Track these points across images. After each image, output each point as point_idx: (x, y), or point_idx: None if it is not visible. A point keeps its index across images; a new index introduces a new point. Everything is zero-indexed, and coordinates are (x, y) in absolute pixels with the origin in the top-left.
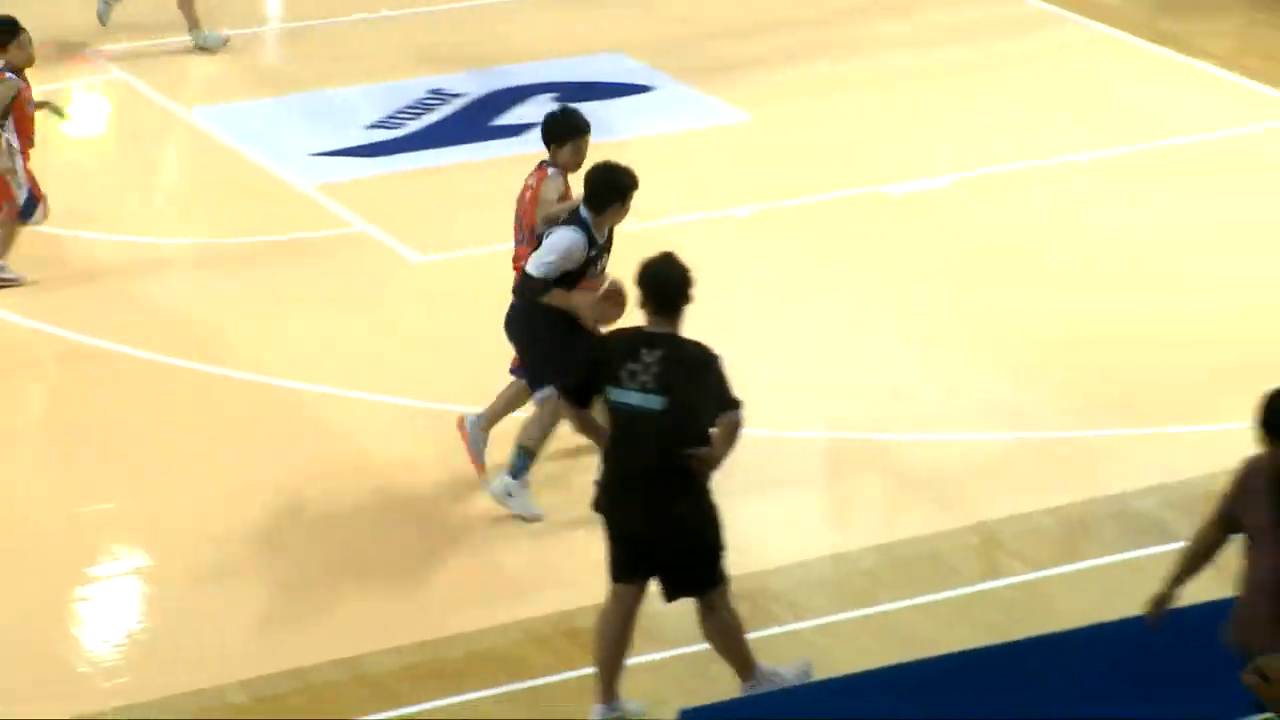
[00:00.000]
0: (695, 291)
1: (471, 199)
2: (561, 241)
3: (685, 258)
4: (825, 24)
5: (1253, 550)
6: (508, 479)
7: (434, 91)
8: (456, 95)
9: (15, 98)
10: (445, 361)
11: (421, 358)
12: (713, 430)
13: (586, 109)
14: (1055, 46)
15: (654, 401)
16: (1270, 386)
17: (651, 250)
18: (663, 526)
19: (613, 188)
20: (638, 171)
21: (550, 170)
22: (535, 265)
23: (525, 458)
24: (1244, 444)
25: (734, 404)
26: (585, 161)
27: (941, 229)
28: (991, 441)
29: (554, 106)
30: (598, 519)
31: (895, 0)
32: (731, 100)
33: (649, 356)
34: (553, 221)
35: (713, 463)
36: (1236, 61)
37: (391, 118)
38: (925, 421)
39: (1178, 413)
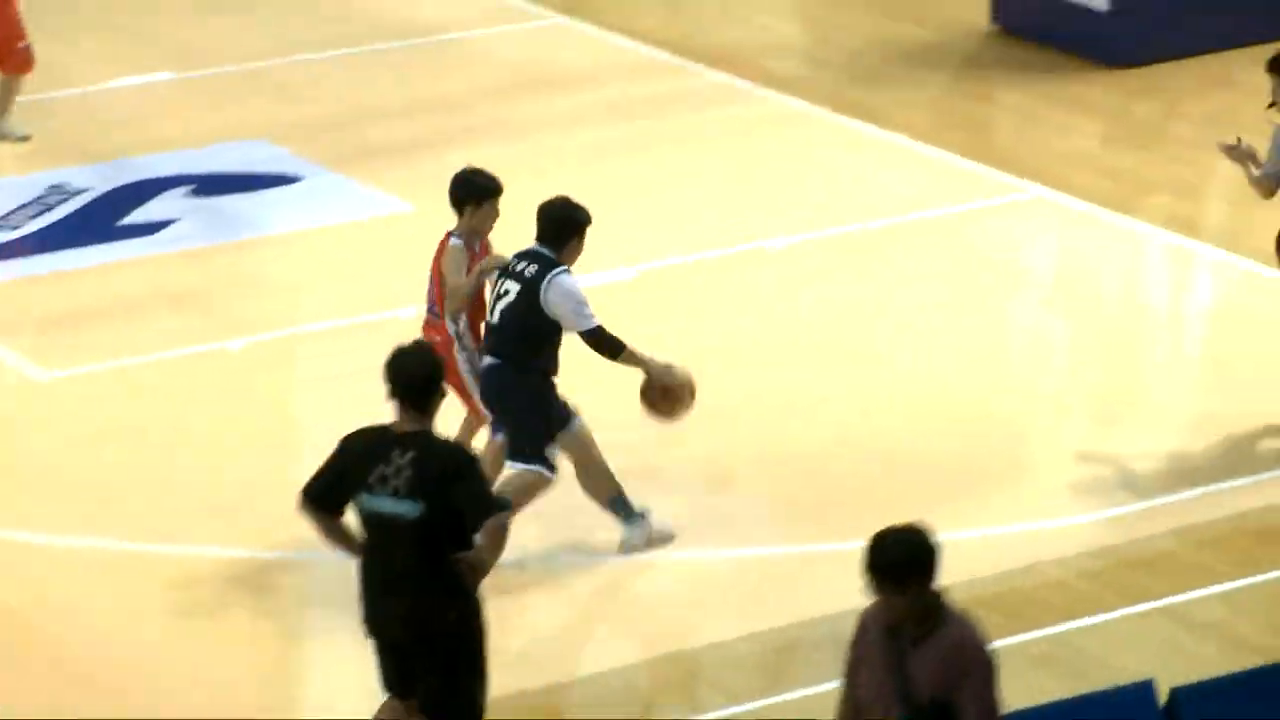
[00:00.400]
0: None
1: (101, 307)
2: (574, 287)
3: (343, 363)
4: (474, 107)
5: None
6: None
7: (54, 187)
8: (80, 191)
9: None
10: (79, 491)
11: (52, 489)
12: (477, 537)
13: (227, 203)
14: (741, 123)
15: (408, 508)
16: (981, 488)
17: (308, 354)
18: (424, 637)
19: (571, 222)
20: (291, 271)
21: (453, 240)
22: (584, 320)
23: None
24: (964, 554)
25: (499, 506)
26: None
27: (631, 323)
28: (685, 560)
29: (197, 202)
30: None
31: (548, 77)
32: (390, 189)
33: (400, 458)
34: (463, 299)
35: (482, 570)
36: (937, 135)
37: (6, 218)
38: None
39: (888, 521)
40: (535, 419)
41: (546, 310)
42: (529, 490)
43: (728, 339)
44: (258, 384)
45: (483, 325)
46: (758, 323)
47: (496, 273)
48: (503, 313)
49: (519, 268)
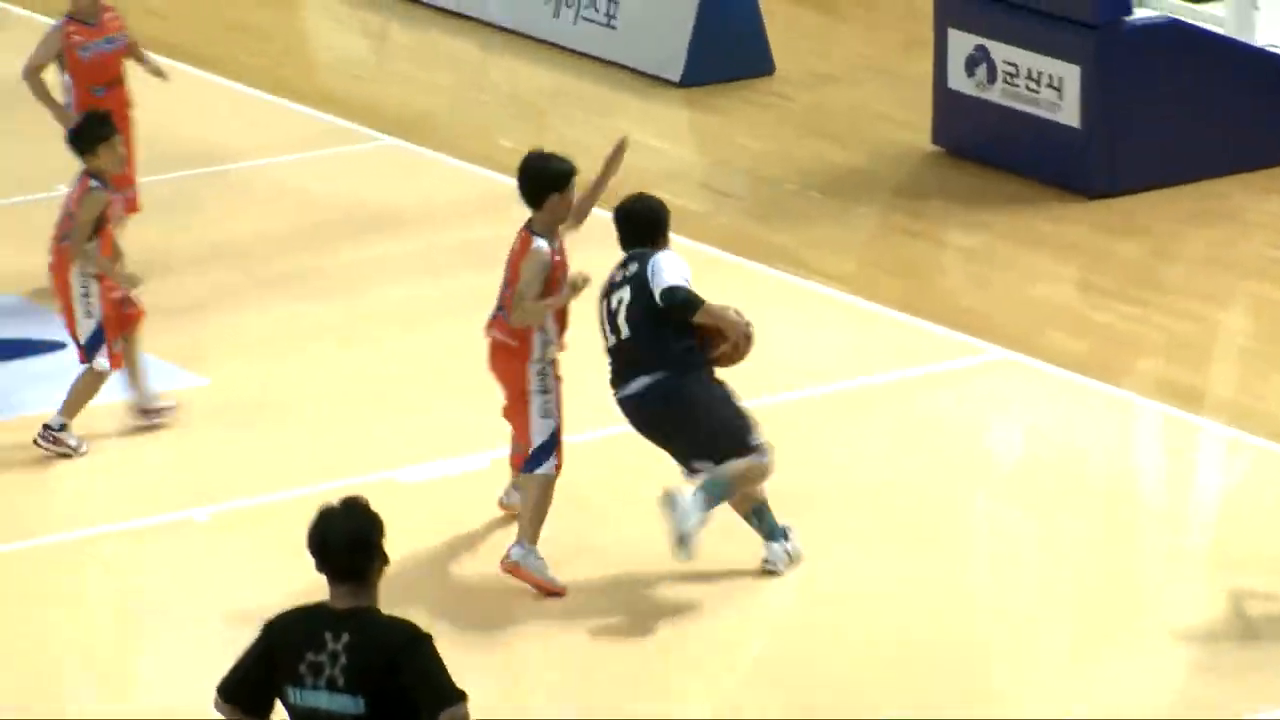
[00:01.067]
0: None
1: None
2: (675, 258)
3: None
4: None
5: None
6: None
7: None
8: None
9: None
10: None
11: None
12: None
13: None
14: None
15: (346, 704)
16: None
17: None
18: None
19: (659, 222)
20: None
21: (536, 241)
22: (677, 279)
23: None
24: None
25: (456, 697)
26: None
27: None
28: None
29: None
30: None
31: (376, 214)
32: (175, 357)
33: (335, 643)
34: (539, 319)
35: None
36: (870, 284)
37: None
38: None
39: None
40: (728, 407)
41: (653, 291)
42: (753, 477)
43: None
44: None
45: (608, 351)
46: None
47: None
48: (630, 324)
49: (623, 275)
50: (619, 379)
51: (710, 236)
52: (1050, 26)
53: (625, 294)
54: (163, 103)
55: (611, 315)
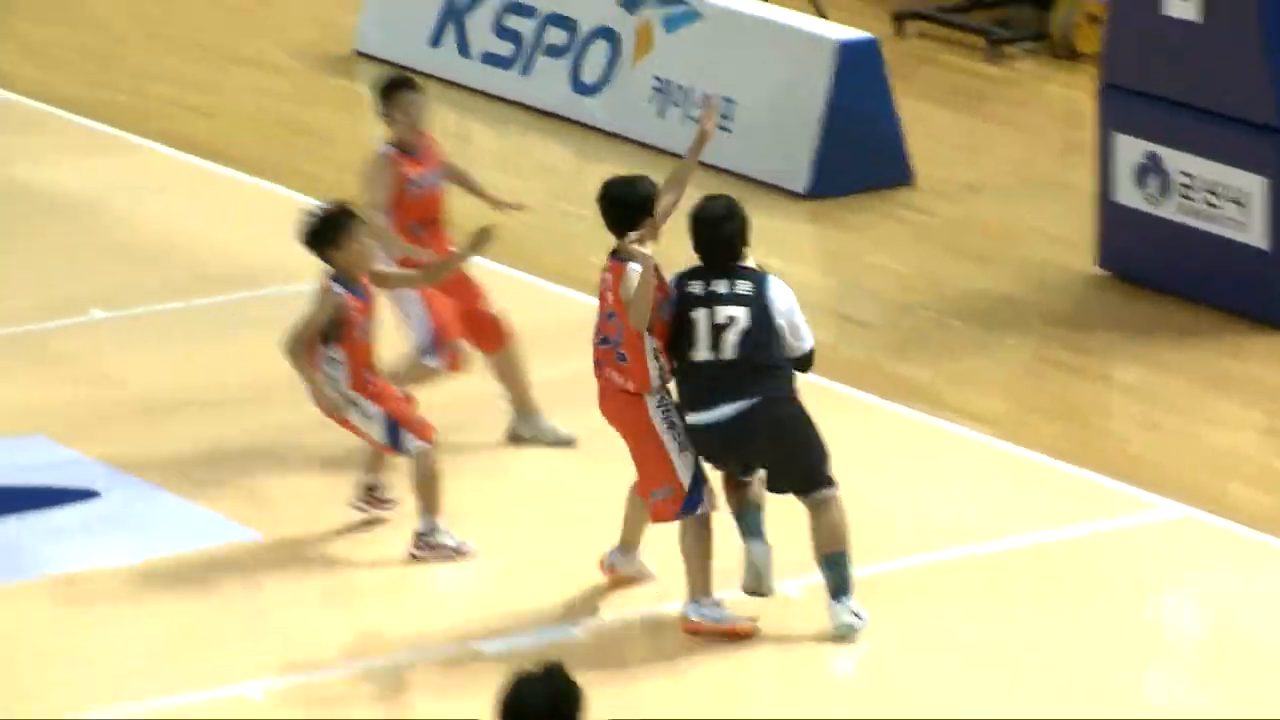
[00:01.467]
0: None
1: None
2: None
3: None
4: None
5: None
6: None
7: None
8: None
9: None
10: None
11: None
12: None
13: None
14: None
15: None
16: None
17: None
18: None
19: (745, 226)
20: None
21: (631, 265)
22: (808, 338)
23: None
24: None
25: None
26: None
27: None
28: None
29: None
30: None
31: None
32: (225, 508)
33: None
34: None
35: None
36: (1024, 428)
37: None
38: None
39: None
40: (818, 432)
41: (775, 319)
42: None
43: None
44: None
45: (691, 365)
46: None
47: (680, 305)
48: (743, 346)
49: (730, 291)
50: (705, 400)
51: (837, 370)
52: (1233, 131)
53: (737, 313)
54: (227, 216)
55: (714, 330)
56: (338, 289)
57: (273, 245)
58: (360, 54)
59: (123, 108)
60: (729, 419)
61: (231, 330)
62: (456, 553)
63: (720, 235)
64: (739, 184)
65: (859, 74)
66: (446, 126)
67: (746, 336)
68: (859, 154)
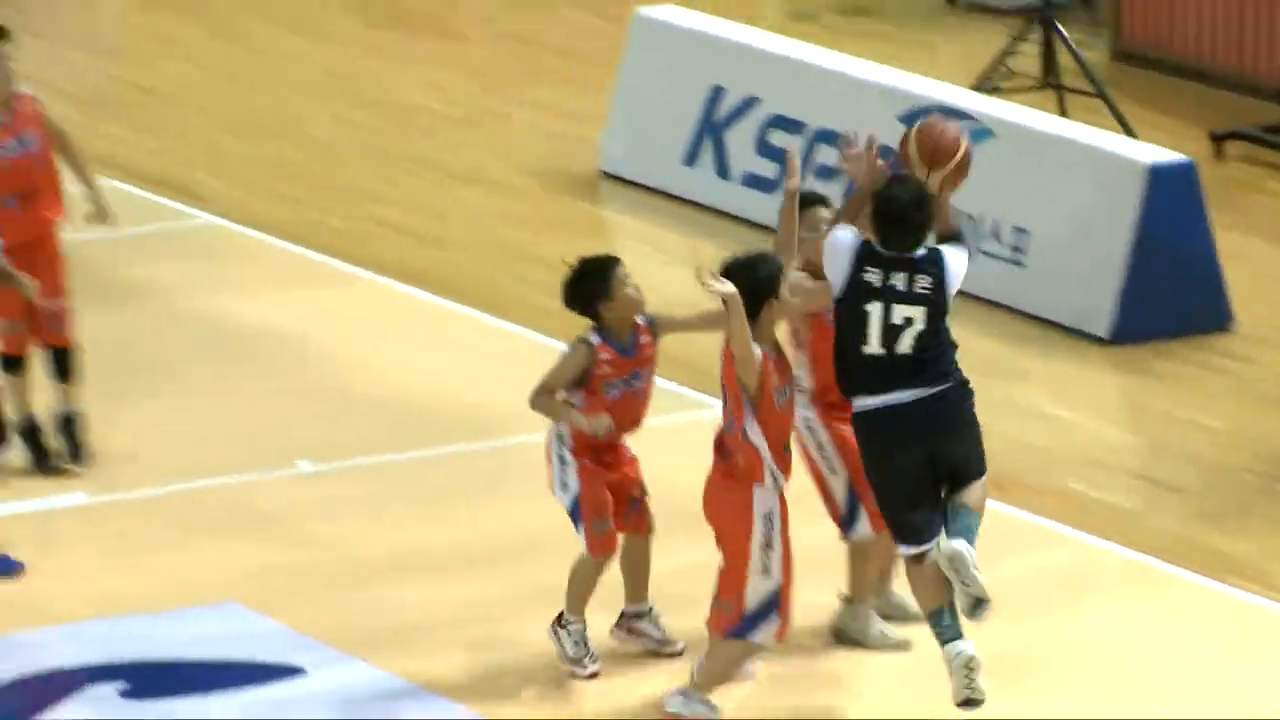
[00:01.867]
0: None
1: None
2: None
3: None
4: None
5: None
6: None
7: None
8: None
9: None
10: None
11: None
12: None
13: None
14: (1054, 578)
15: None
16: None
17: None
18: None
19: (927, 206)
20: None
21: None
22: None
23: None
24: None
25: None
26: None
27: None
28: None
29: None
30: None
31: None
32: (448, 689)
33: None
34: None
35: None
36: None
37: None
38: None
39: None
40: None
41: (949, 292)
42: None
43: None
44: None
45: (863, 358)
46: None
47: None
48: (916, 345)
49: (908, 286)
50: (880, 387)
51: (1145, 541)
52: None
53: (915, 314)
54: (451, 357)
55: (888, 329)
56: (596, 340)
57: (499, 391)
58: (605, 174)
59: (337, 232)
60: (906, 404)
61: (452, 487)
62: (579, 664)
63: (909, 226)
64: (1032, 325)
65: (1172, 201)
66: (701, 257)
67: (921, 337)
68: (1171, 293)
